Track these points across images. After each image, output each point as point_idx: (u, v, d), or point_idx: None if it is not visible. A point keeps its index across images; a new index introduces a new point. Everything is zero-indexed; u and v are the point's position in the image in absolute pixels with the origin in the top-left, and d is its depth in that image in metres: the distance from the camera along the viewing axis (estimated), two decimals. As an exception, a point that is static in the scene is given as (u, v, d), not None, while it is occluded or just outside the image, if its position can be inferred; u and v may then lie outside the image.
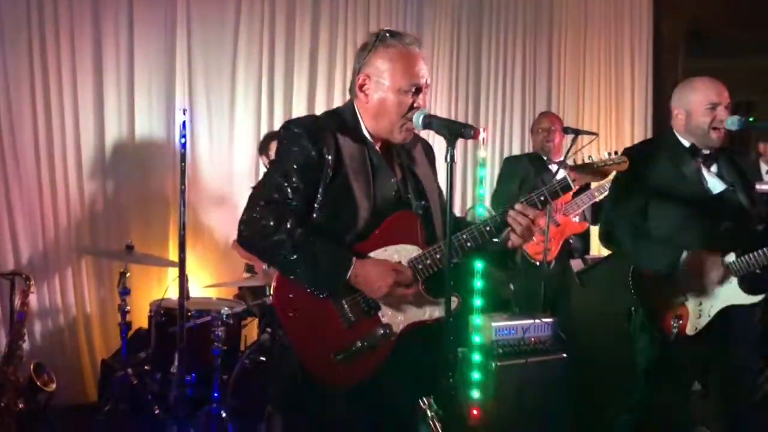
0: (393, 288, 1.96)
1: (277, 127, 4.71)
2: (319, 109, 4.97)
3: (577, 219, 4.41)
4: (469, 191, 5.50)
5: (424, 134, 2.24)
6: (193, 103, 4.62)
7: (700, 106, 2.76)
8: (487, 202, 4.72)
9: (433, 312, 2.04)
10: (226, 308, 3.51)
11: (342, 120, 2.09)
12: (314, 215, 2.02)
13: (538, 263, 4.18)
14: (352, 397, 2.01)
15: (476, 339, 3.57)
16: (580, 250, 4.47)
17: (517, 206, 2.03)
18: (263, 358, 3.56)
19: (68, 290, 4.28)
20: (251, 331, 4.31)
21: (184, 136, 3.00)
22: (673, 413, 2.84)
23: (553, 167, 4.51)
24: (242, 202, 4.39)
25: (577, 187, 2.19)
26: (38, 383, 3.67)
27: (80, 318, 4.31)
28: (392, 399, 2.08)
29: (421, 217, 2.09)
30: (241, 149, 4.81)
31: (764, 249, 2.63)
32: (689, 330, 2.70)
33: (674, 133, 2.88)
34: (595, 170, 2.17)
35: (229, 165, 4.79)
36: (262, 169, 4.59)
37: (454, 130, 1.87)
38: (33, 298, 3.87)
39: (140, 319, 4.15)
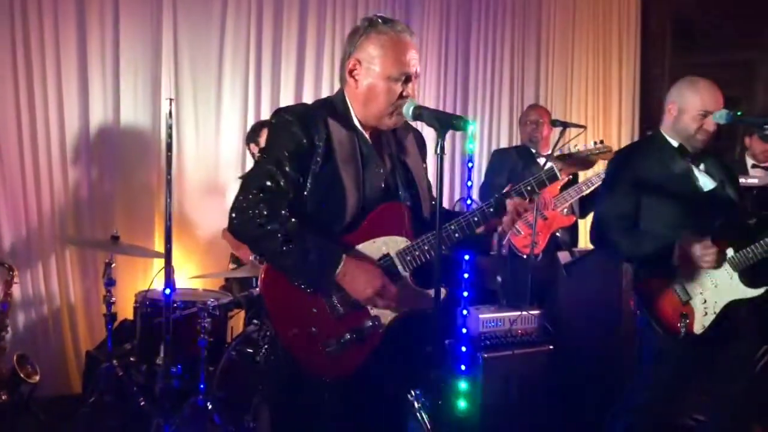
0: (376, 296, 1.95)
1: (264, 117, 4.68)
2: (307, 100, 4.93)
3: (564, 212, 4.43)
4: (457, 183, 5.50)
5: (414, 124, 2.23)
6: (179, 92, 4.57)
7: (694, 110, 2.77)
8: (475, 195, 4.72)
9: (421, 303, 2.03)
10: (213, 300, 3.48)
11: (333, 108, 2.07)
12: (303, 203, 2.00)
13: (525, 256, 4.19)
14: (340, 388, 2.00)
15: (463, 330, 3.57)
16: (568, 243, 4.48)
17: (505, 197, 2.03)
18: (250, 350, 3.54)
19: (52, 280, 4.23)
20: (237, 322, 4.28)
21: (170, 125, 2.96)
22: (674, 412, 2.85)
23: (541, 160, 4.51)
24: (229, 193, 4.40)
25: (564, 176, 2.19)
26: (21, 375, 3.64)
27: (64, 309, 4.27)
28: (380, 390, 2.08)
29: (409, 208, 2.08)
30: (227, 139, 4.77)
31: (761, 242, 2.65)
32: (697, 329, 2.70)
33: (662, 133, 2.89)
34: (582, 160, 2.18)
35: (215, 155, 4.75)
36: (249, 159, 4.57)
37: (445, 122, 1.85)
38: (16, 288, 3.83)
39: (125, 310, 4.11)
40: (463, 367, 3.50)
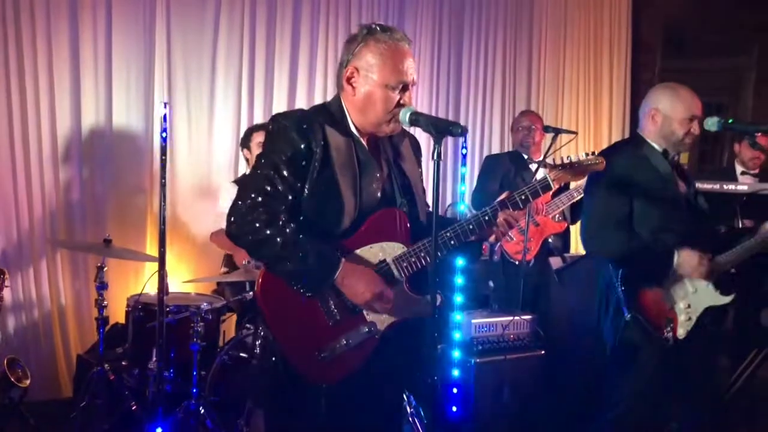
0: (375, 299, 1.96)
1: (257, 121, 4.68)
2: (300, 104, 4.95)
3: (556, 219, 4.46)
4: (449, 188, 5.52)
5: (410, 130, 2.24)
6: (172, 96, 4.56)
7: (680, 115, 2.79)
8: (467, 200, 4.74)
9: (417, 309, 2.04)
10: (206, 304, 3.48)
11: (329, 114, 2.08)
12: (301, 209, 2.01)
13: (517, 262, 4.21)
14: (335, 394, 2.01)
15: (456, 336, 3.59)
16: (560, 249, 4.51)
17: (499, 206, 2.06)
18: (242, 354, 3.54)
19: (43, 283, 4.22)
20: (229, 326, 4.28)
21: (165, 129, 2.96)
22: (655, 419, 2.88)
23: (533, 166, 4.55)
24: (221, 197, 4.38)
25: (557, 186, 2.21)
26: (12, 379, 3.62)
27: (55, 312, 4.25)
28: (375, 395, 2.09)
29: (406, 214, 2.10)
30: (220, 143, 4.77)
31: (735, 248, 2.70)
32: (680, 333, 2.74)
33: (644, 137, 2.89)
34: (575, 170, 2.21)
35: (208, 159, 4.75)
36: (242, 164, 4.57)
37: (442, 128, 1.87)
38: (6, 292, 3.81)
39: (116, 313, 4.10)
40: (455, 372, 3.51)
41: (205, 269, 4.52)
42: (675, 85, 2.91)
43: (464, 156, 4.19)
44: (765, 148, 4.32)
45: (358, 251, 2.02)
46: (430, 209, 2.03)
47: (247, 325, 3.56)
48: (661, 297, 2.75)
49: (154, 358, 3.31)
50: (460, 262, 3.56)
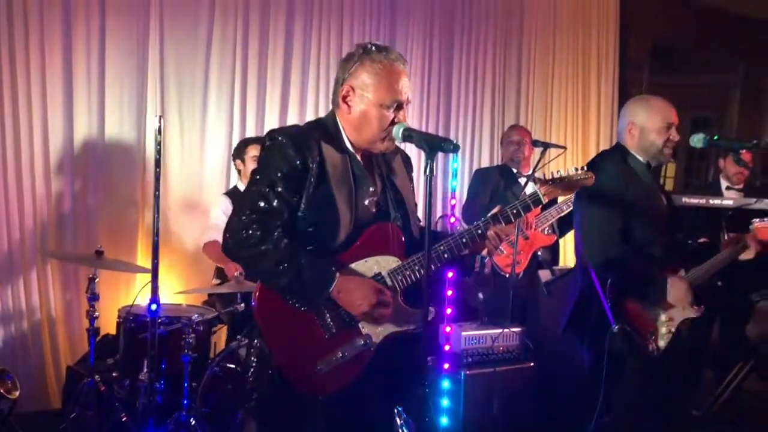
0: (373, 308, 1.99)
1: (249, 134, 4.71)
2: (292, 117, 4.99)
3: (545, 232, 4.51)
4: (439, 201, 5.56)
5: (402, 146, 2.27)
6: (165, 109, 4.58)
7: (656, 125, 2.83)
8: (458, 213, 4.78)
9: (411, 322, 2.08)
10: (197, 315, 3.49)
11: (325, 130, 2.12)
12: (297, 224, 2.04)
13: (507, 275, 4.25)
14: (330, 405, 2.04)
15: (446, 348, 3.62)
16: (549, 262, 4.56)
17: (491, 220, 2.09)
18: (233, 366, 3.56)
19: (33, 294, 4.20)
20: (220, 338, 4.29)
21: (159, 142, 2.99)
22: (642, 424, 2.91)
23: (522, 179, 4.60)
24: (212, 209, 4.39)
25: (547, 200, 2.26)
26: (1, 390, 3.60)
27: (45, 323, 4.24)
28: (369, 407, 2.11)
29: (400, 228, 2.13)
30: (212, 156, 4.79)
31: (706, 263, 2.78)
32: (661, 345, 2.78)
33: (625, 148, 2.92)
34: (564, 185, 2.25)
35: (200, 171, 4.76)
36: (234, 176, 4.59)
37: (435, 145, 1.90)
38: (-3, 302, 3.81)
39: (107, 324, 4.10)
40: (445, 384, 3.53)
41: (196, 280, 4.53)
42: (647, 96, 2.98)
43: (455, 170, 4.24)
44: (749, 163, 4.39)
45: (353, 265, 2.04)
46: (423, 223, 2.06)
47: (238, 337, 3.58)
48: (643, 309, 2.79)
49: (145, 370, 3.32)
50: (450, 274, 3.60)
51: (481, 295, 4.37)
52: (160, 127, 3.00)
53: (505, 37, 5.94)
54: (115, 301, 4.24)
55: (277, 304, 2.02)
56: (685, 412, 2.98)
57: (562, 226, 4.54)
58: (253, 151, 4.13)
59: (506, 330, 3.77)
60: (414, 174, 2.39)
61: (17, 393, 3.66)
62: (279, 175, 2.01)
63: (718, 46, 7.53)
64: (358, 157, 2.14)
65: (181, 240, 4.69)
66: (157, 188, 3.01)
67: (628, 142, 2.91)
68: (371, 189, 2.13)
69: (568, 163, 5.81)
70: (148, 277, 3.31)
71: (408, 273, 2.06)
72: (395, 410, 2.23)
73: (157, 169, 2.98)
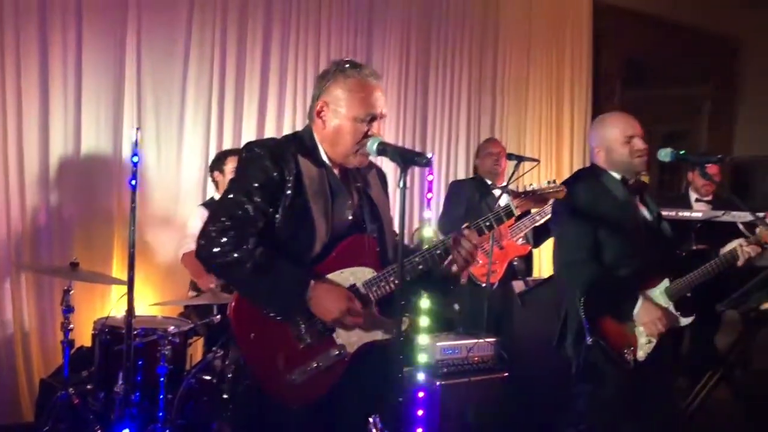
0: (344, 315, 2.01)
1: (226, 147, 4.72)
2: (269, 130, 5.01)
3: (520, 242, 4.57)
4: (416, 213, 5.61)
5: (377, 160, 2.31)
6: (142, 121, 4.57)
7: (618, 141, 2.89)
8: (434, 224, 4.83)
9: (385, 332, 2.11)
10: (173, 327, 3.49)
11: (302, 143, 2.15)
12: (273, 235, 2.06)
13: (483, 284, 4.30)
14: (305, 415, 2.05)
15: (422, 358, 3.64)
16: (523, 272, 4.62)
17: (464, 232, 2.12)
18: (209, 377, 3.56)
19: (6, 307, 4.16)
20: (196, 350, 4.28)
21: (135, 154, 3.00)
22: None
23: (497, 191, 4.67)
24: (189, 220, 4.38)
25: (519, 212, 2.31)
26: (-27, 403, 3.56)
27: (18, 336, 4.19)
28: (344, 416, 2.13)
29: (375, 240, 2.16)
30: (188, 168, 4.78)
31: (689, 274, 2.80)
32: (640, 356, 2.81)
33: (602, 167, 2.98)
34: (536, 197, 2.31)
35: (176, 183, 4.76)
36: (210, 188, 4.60)
37: (408, 158, 1.95)
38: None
39: (82, 337, 4.07)
40: (420, 394, 3.56)
41: (172, 292, 4.51)
42: (604, 115, 3.06)
43: (430, 182, 4.29)
44: (714, 177, 4.50)
45: (329, 276, 2.07)
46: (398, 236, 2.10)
47: (214, 348, 3.58)
48: (619, 321, 2.81)
49: (121, 382, 3.31)
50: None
51: (456, 306, 4.42)
52: (137, 139, 3.01)
53: (480, 53, 6.03)
54: (90, 313, 4.22)
55: (252, 314, 2.04)
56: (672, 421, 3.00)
57: (536, 236, 4.61)
58: (233, 163, 4.14)
59: (481, 340, 3.80)
60: (390, 188, 2.43)
61: (-11, 407, 3.63)
62: (256, 185, 2.04)
63: (688, 61, 7.70)
64: (335, 171, 2.17)
65: (157, 252, 4.67)
66: (133, 200, 3.01)
67: (600, 163, 2.98)
68: (348, 202, 2.16)
69: (542, 175, 5.89)
70: (124, 288, 3.31)
71: (383, 284, 2.09)
72: (370, 420, 2.26)
73: (134, 181, 2.99)
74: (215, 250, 1.99)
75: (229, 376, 3.13)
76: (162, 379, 3.35)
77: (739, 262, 2.78)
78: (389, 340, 2.10)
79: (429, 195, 4.26)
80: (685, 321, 2.85)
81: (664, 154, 2.84)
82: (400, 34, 5.61)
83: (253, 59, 4.95)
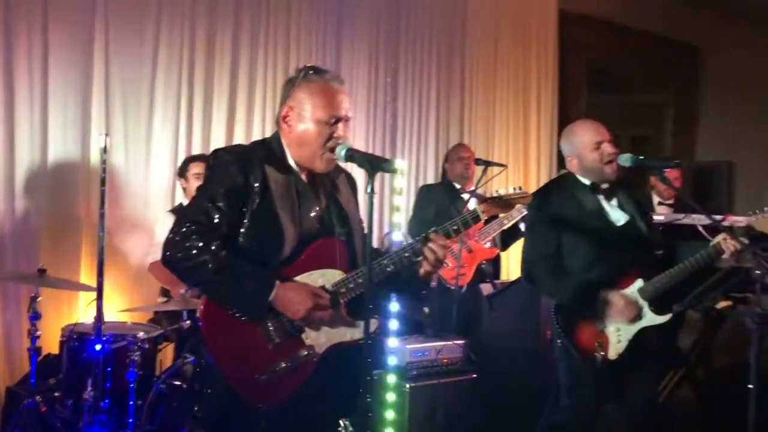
0: (311, 311, 2.05)
1: (195, 152, 4.71)
2: (238, 135, 5.01)
3: (488, 245, 4.65)
4: (386, 218, 5.65)
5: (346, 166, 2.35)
6: (110, 126, 4.53)
7: (587, 147, 2.99)
8: (404, 229, 4.88)
9: (354, 333, 2.14)
10: (143, 333, 3.48)
11: (269, 150, 2.19)
12: (241, 240, 2.09)
13: (452, 287, 4.37)
14: (275, 416, 2.08)
15: (391, 361, 3.68)
16: (491, 275, 4.69)
17: (432, 236, 2.17)
18: (178, 383, 3.55)
19: (-30, 314, 4.12)
20: (166, 355, 4.26)
21: (105, 160, 3.00)
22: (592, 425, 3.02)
23: (465, 195, 4.74)
24: (157, 227, 4.36)
25: (486, 217, 2.37)
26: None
27: (-18, 344, 4.15)
28: (314, 417, 2.16)
29: (344, 243, 2.20)
30: (157, 173, 4.76)
31: (666, 272, 2.89)
32: (612, 355, 2.88)
33: (573, 173, 3.09)
34: (502, 203, 2.37)
35: (145, 188, 4.73)
36: (179, 194, 4.59)
37: (376, 165, 2.00)
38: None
39: (49, 344, 4.02)
40: (390, 397, 3.60)
41: (141, 298, 4.49)
42: (573, 125, 3.16)
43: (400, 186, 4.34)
44: (673, 182, 4.63)
45: (297, 278, 2.11)
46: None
47: (186, 354, 3.58)
48: (591, 321, 2.90)
49: (89, 389, 3.29)
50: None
51: (426, 309, 4.47)
52: (105, 145, 3.00)
53: (449, 59, 6.11)
54: (57, 320, 4.17)
55: (221, 316, 2.07)
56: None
57: (504, 239, 4.69)
58: (195, 169, 4.16)
59: (450, 342, 3.85)
60: (360, 193, 2.47)
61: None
62: (222, 191, 2.07)
63: (651, 67, 7.89)
64: (303, 176, 2.21)
65: (126, 258, 4.64)
66: (102, 206, 3.01)
67: (572, 169, 3.08)
68: (315, 207, 2.20)
69: (510, 180, 5.99)
70: (92, 295, 3.30)
71: (351, 286, 2.13)
72: (340, 422, 2.29)
73: (103, 188, 2.99)
74: (179, 254, 2.03)
75: (198, 377, 3.14)
76: (132, 385, 3.34)
77: (725, 256, 2.84)
78: (358, 341, 2.14)
79: (399, 199, 4.32)
80: (661, 318, 2.92)
81: (625, 159, 2.92)
82: (368, 41, 5.66)
83: (221, 64, 4.95)
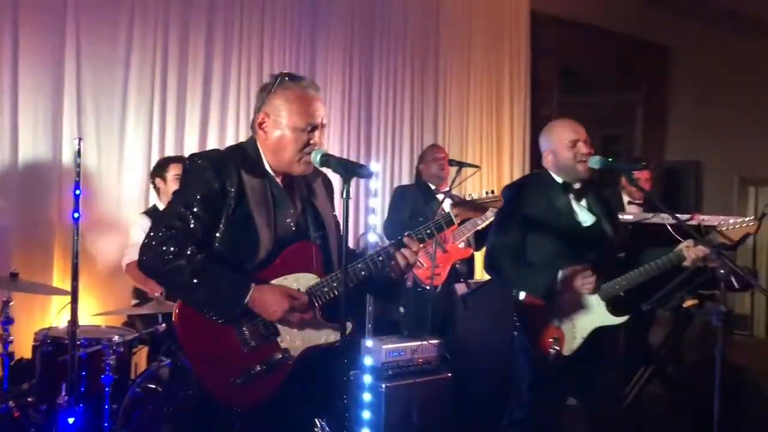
0: (288, 312, 2.08)
1: (168, 152, 4.69)
2: (212, 137, 5.01)
3: (462, 245, 4.70)
4: (362, 219, 5.68)
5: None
6: (82, 127, 4.50)
7: (563, 145, 3.06)
8: (379, 229, 4.91)
9: (329, 336, 2.17)
10: (117, 336, 3.47)
11: (245, 154, 2.21)
12: (217, 244, 2.11)
13: (427, 287, 4.41)
14: (250, 419, 2.10)
15: (367, 361, 3.71)
16: (465, 275, 4.75)
17: (406, 240, 2.20)
18: (153, 386, 3.55)
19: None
20: (140, 358, 4.24)
21: (79, 164, 2.99)
22: (550, 427, 3.08)
23: (440, 196, 4.79)
24: (131, 229, 4.33)
25: (459, 221, 2.41)
26: None
27: (-48, 350, 4.08)
28: (290, 419, 2.18)
29: (319, 247, 2.23)
30: (130, 176, 4.73)
31: (625, 275, 2.96)
32: (566, 351, 2.95)
33: (548, 171, 3.16)
34: (475, 207, 2.41)
35: (117, 190, 4.70)
36: (152, 196, 4.56)
37: (350, 170, 2.04)
38: None
39: (21, 348, 3.99)
40: (366, 397, 3.63)
41: (114, 301, 4.46)
42: (553, 122, 3.24)
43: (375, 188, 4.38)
44: (640, 182, 4.72)
45: (273, 281, 2.13)
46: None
47: (161, 357, 3.57)
48: (547, 317, 2.97)
49: (64, 393, 3.27)
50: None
51: (402, 309, 4.52)
52: (79, 149, 2.99)
53: (422, 62, 6.16)
54: (30, 323, 4.13)
55: (196, 320, 2.09)
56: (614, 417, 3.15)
57: (478, 240, 4.75)
58: (175, 170, 4.14)
59: (425, 342, 3.90)
60: (336, 196, 2.50)
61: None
62: (198, 196, 2.09)
63: (621, 68, 8.02)
64: (278, 180, 2.23)
65: (99, 261, 4.61)
66: (76, 209, 3.00)
67: (547, 166, 3.15)
68: (290, 211, 2.22)
69: (483, 180, 6.07)
70: (65, 299, 3.28)
71: (326, 290, 2.16)
72: (317, 423, 2.32)
73: (77, 191, 2.98)
74: (156, 259, 2.05)
75: (174, 380, 3.14)
76: (107, 389, 3.33)
77: (687, 263, 2.92)
78: (333, 343, 2.17)
79: (374, 200, 4.35)
80: (618, 319, 2.99)
81: (594, 162, 2.99)
82: (343, 45, 5.68)
83: (195, 66, 4.93)
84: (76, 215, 2.96)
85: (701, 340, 5.09)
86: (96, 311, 4.14)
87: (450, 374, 3.89)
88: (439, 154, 5.00)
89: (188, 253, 2.03)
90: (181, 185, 2.17)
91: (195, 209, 2.08)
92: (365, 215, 5.57)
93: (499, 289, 4.07)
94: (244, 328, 2.11)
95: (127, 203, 4.71)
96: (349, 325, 2.10)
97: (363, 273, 2.18)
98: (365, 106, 5.84)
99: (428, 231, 2.26)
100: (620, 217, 4.30)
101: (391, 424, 3.61)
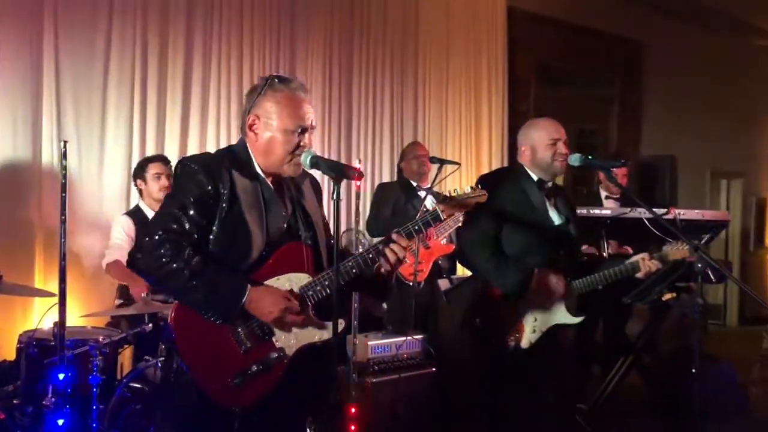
0: (283, 314, 2.12)
1: (149, 153, 4.68)
2: (192, 139, 5.00)
3: (444, 241, 4.76)
4: (344, 216, 5.71)
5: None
6: (62, 130, 4.48)
7: (543, 142, 3.13)
8: (362, 226, 4.95)
9: (322, 334, 2.22)
10: (105, 337, 3.48)
11: (235, 157, 2.24)
12: (210, 246, 2.14)
13: (411, 283, 4.46)
14: (246, 418, 2.13)
15: (354, 358, 3.76)
16: (448, 271, 4.81)
17: (394, 237, 2.24)
18: (140, 386, 3.55)
19: None
20: (125, 357, 4.24)
21: (64, 167, 2.99)
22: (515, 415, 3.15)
23: (422, 193, 4.84)
24: (113, 229, 4.31)
25: (446, 217, 2.46)
26: None
27: (-65, 354, 4.07)
28: (285, 416, 2.22)
29: (310, 247, 2.27)
30: (111, 178, 4.72)
31: (586, 277, 3.07)
32: (524, 344, 3.04)
33: (523, 166, 3.21)
34: (460, 203, 2.46)
35: (98, 193, 4.69)
36: (134, 196, 4.55)
37: (339, 172, 2.08)
38: None
39: (3, 351, 3.98)
40: (353, 393, 3.67)
41: (97, 302, 4.45)
42: (534, 119, 3.31)
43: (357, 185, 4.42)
44: (618, 179, 4.82)
45: (266, 282, 2.17)
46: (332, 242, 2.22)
47: (147, 358, 3.58)
48: (511, 308, 3.05)
49: (50, 395, 3.27)
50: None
51: (385, 305, 4.57)
52: (65, 151, 3.00)
53: (401, 60, 6.20)
54: (11, 326, 4.12)
55: (193, 321, 2.12)
56: (570, 406, 3.27)
57: (460, 236, 4.80)
58: (154, 169, 4.14)
59: (409, 337, 3.95)
60: (324, 196, 2.54)
61: None
62: (191, 199, 2.12)
63: (597, 63, 8.13)
64: (269, 182, 2.26)
65: (81, 262, 4.59)
66: (63, 212, 3.00)
67: (524, 162, 3.20)
68: (282, 212, 2.25)
69: (463, 175, 6.13)
70: (47, 301, 3.28)
71: (318, 288, 2.20)
72: (308, 421, 2.36)
73: (63, 194, 2.98)
74: (153, 262, 2.07)
75: (171, 380, 3.15)
76: (95, 389, 3.34)
77: (640, 274, 3.06)
78: (326, 341, 2.21)
79: (356, 199, 4.39)
80: (574, 319, 3.09)
81: (574, 159, 3.06)
82: (322, 43, 5.70)
83: (174, 68, 4.92)
84: (63, 217, 2.96)
85: (677, 331, 5.21)
86: (80, 312, 4.14)
87: (434, 368, 3.94)
88: (419, 151, 5.06)
89: (185, 255, 2.06)
90: (174, 189, 2.19)
91: (190, 211, 2.10)
92: (348, 213, 5.60)
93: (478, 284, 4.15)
94: (240, 330, 2.14)
95: (108, 204, 4.70)
96: (341, 323, 2.14)
97: (354, 271, 2.22)
98: (345, 105, 5.87)
99: (416, 227, 2.30)
100: (599, 212, 4.42)
101: (378, 419, 3.66)
